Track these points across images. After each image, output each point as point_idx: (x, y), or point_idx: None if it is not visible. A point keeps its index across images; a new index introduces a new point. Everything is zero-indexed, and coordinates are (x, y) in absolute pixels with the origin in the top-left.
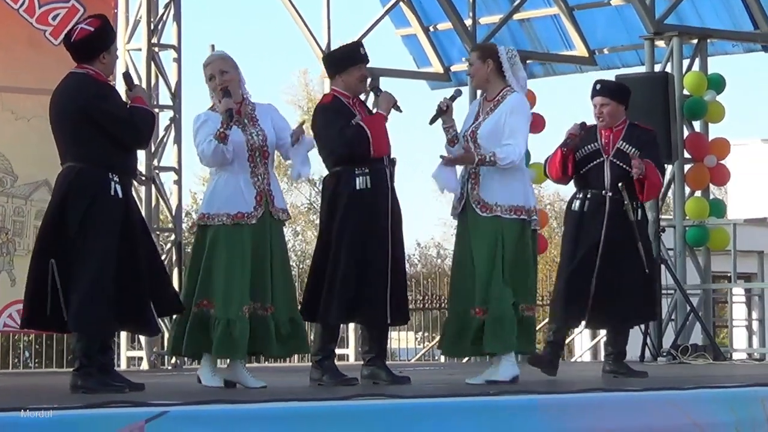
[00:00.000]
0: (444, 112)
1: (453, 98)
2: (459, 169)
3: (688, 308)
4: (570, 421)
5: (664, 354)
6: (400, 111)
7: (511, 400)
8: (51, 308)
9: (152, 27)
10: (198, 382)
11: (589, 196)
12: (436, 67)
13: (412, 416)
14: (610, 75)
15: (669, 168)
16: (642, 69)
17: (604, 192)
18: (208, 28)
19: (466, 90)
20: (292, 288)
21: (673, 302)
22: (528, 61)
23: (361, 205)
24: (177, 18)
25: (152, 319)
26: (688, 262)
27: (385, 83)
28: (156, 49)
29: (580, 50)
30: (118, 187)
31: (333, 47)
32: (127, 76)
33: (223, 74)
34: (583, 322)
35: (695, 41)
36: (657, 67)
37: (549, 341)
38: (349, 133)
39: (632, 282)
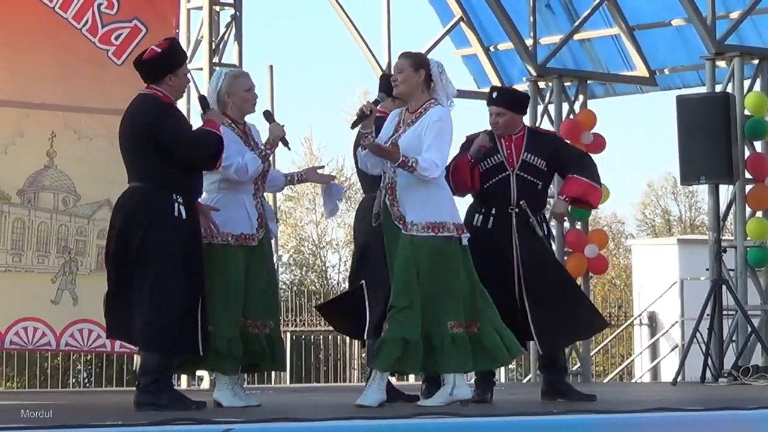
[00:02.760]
0: (366, 116)
1: (376, 102)
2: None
3: (750, 329)
4: None
5: (725, 375)
6: None
7: (574, 420)
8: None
9: (213, 46)
10: (217, 405)
11: (494, 212)
12: None
13: None
14: (670, 95)
15: (730, 188)
16: (703, 89)
17: (510, 208)
18: (268, 48)
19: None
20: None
21: (734, 323)
22: (588, 81)
23: None
24: (238, 38)
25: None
26: (749, 282)
27: None
28: (217, 69)
29: (640, 70)
30: (182, 208)
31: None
32: (202, 99)
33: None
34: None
35: (756, 61)
36: (718, 88)
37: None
38: None
39: (569, 294)
